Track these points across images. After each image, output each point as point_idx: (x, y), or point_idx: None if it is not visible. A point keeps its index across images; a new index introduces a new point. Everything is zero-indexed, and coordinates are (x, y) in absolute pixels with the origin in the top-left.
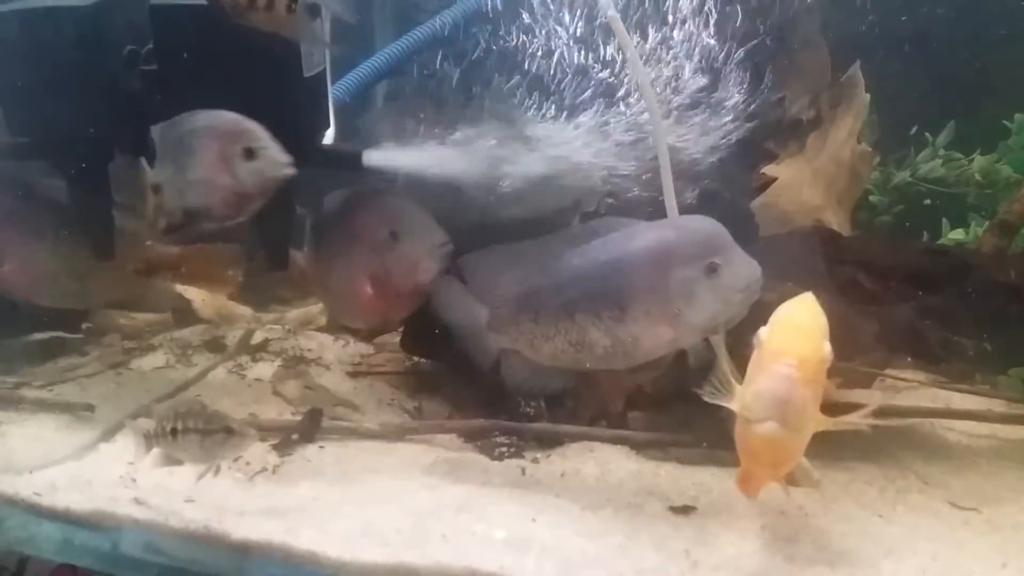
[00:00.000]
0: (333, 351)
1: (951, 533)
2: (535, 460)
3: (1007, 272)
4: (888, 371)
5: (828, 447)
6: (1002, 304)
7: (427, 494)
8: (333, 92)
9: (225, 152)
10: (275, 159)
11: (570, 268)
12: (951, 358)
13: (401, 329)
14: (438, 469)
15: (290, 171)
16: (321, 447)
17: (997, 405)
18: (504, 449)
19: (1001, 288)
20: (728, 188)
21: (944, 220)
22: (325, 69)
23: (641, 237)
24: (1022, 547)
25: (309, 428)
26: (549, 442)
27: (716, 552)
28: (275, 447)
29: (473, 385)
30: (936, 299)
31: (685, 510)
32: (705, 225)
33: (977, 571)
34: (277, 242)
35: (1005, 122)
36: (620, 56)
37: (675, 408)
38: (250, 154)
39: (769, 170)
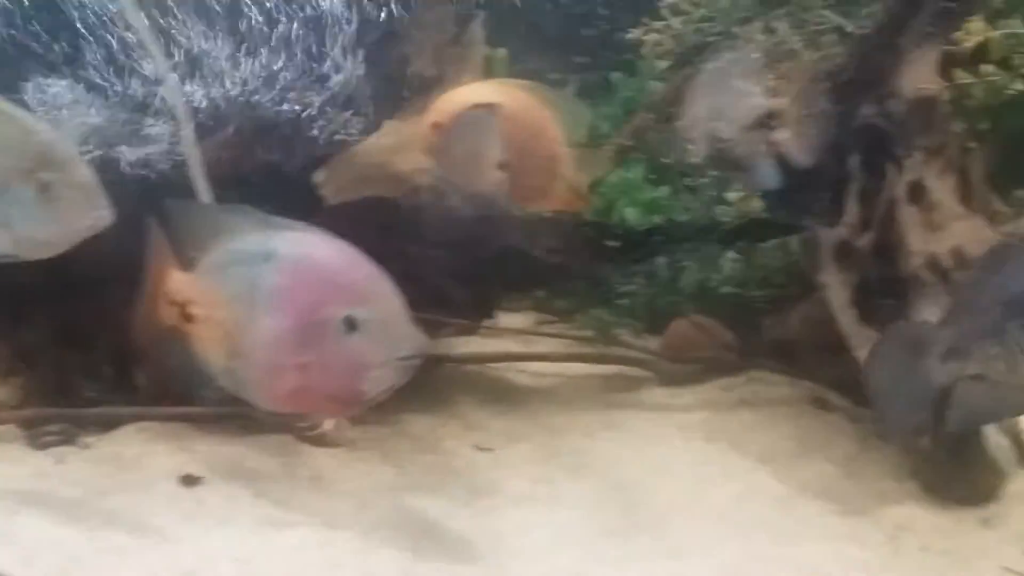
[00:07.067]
0: None
1: (447, 477)
2: (86, 446)
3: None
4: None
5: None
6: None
7: None
8: None
9: None
10: None
11: None
12: None
13: None
14: None
15: None
16: None
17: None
18: (52, 437)
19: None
20: (288, 159)
21: None
22: None
23: None
24: (514, 481)
25: None
26: (110, 425)
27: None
28: None
29: (47, 368)
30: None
31: (192, 480)
32: None
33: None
34: None
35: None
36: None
37: None
38: None
39: (389, 130)
